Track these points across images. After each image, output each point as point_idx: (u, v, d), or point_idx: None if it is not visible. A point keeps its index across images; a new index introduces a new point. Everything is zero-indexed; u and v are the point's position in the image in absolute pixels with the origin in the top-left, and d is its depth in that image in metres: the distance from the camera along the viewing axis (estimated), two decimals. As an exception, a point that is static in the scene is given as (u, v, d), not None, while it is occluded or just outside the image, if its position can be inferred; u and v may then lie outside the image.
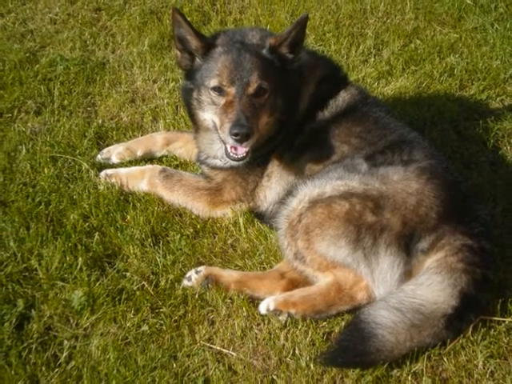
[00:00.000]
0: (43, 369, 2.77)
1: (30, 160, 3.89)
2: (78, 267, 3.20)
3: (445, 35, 5.56)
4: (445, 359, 2.89)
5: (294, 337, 2.97)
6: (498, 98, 4.82)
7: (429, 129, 4.39)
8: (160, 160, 4.06)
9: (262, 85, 3.27)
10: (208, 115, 3.39)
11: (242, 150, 3.28)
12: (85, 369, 2.77)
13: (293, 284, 3.19)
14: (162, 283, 3.20)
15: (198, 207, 3.63)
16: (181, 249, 3.41)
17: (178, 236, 3.47)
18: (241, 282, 3.17)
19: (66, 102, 4.51)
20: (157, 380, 2.76)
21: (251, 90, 3.26)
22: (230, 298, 3.13)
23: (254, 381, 2.80)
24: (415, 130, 3.63)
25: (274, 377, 2.82)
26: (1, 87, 4.62)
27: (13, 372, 2.74)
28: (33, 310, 3.01)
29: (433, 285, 2.87)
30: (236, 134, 3.15)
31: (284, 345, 2.94)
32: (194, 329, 3.02)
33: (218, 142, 3.44)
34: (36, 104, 4.48)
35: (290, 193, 3.35)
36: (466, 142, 4.35)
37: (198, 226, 3.57)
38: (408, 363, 2.84)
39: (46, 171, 3.80)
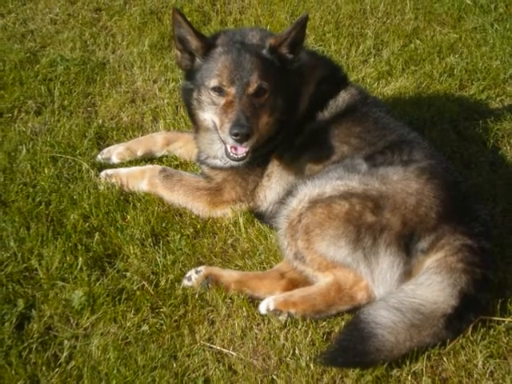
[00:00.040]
0: (43, 368, 2.77)
1: (30, 160, 3.89)
2: (78, 267, 3.20)
3: (445, 35, 5.56)
4: (444, 359, 2.89)
5: (293, 337, 2.97)
6: (498, 98, 4.82)
7: (429, 129, 4.39)
8: (160, 160, 4.06)
9: (262, 85, 3.28)
10: (208, 115, 3.40)
11: (242, 150, 3.28)
12: (85, 368, 2.77)
13: (293, 284, 3.19)
14: (162, 283, 3.20)
15: (198, 207, 3.63)
16: (181, 249, 3.41)
17: (178, 236, 3.47)
18: (241, 282, 3.17)
19: (66, 102, 4.51)
20: (157, 380, 2.76)
21: (251, 90, 3.26)
22: (230, 298, 3.13)
23: (254, 381, 2.80)
24: (415, 130, 3.63)
25: (274, 377, 2.82)
26: (1, 87, 4.62)
27: (13, 372, 2.74)
28: (33, 310, 3.01)
29: (432, 285, 2.87)
30: (236, 134, 3.15)
31: (284, 345, 2.94)
32: (194, 329, 3.02)
33: (218, 142, 3.45)
34: (36, 104, 4.47)
35: (289, 193, 3.35)
36: (466, 142, 4.34)
37: (198, 226, 3.57)
38: (408, 363, 2.84)
39: (46, 171, 3.80)
